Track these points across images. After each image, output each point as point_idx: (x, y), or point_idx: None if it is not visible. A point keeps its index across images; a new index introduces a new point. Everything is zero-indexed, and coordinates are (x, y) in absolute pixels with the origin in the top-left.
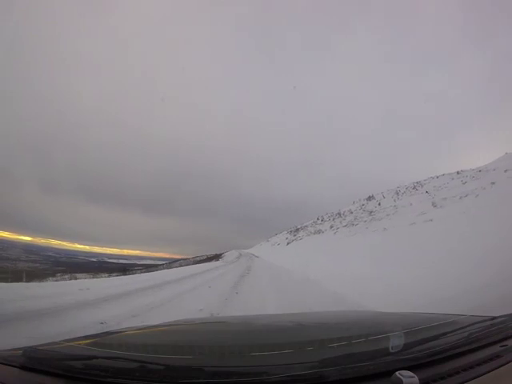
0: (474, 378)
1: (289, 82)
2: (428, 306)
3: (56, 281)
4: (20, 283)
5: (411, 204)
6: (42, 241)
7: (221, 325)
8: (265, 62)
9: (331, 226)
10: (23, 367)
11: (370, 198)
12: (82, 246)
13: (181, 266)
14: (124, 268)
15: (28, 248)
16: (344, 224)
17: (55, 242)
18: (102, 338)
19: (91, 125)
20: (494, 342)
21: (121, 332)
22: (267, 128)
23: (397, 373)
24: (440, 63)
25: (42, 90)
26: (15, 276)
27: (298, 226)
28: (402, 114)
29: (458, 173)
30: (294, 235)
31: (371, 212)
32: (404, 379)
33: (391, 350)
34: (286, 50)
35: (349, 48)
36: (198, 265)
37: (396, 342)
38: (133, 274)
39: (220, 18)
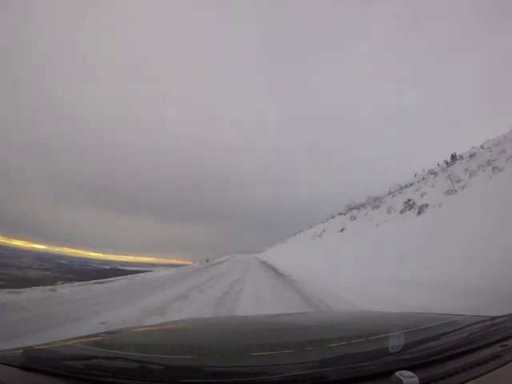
0: (474, 378)
1: (297, 83)
2: None
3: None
4: None
5: None
6: (56, 249)
7: (221, 325)
8: (269, 64)
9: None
10: (23, 367)
11: (453, 160)
12: (95, 254)
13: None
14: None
15: (42, 256)
16: None
17: (69, 250)
18: (102, 338)
19: (103, 131)
20: (494, 342)
21: (121, 332)
22: (275, 130)
23: (397, 373)
24: (450, 60)
25: (52, 96)
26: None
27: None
28: (410, 111)
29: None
30: (366, 213)
31: None
32: (404, 379)
33: (391, 350)
34: (290, 49)
35: (354, 47)
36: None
37: (396, 342)
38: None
39: (223, 18)
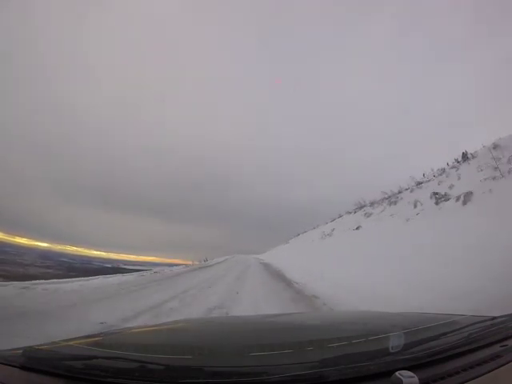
0: (474, 378)
1: (297, 83)
2: None
3: None
4: None
5: None
6: (58, 247)
7: (221, 325)
8: (269, 64)
9: None
10: (23, 367)
11: (464, 156)
12: (98, 253)
13: None
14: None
15: (44, 254)
16: None
17: (71, 249)
18: (102, 338)
19: (103, 131)
20: (494, 342)
21: (121, 332)
22: (276, 130)
23: (397, 373)
24: (450, 60)
25: (53, 96)
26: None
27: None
28: (410, 111)
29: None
30: (382, 210)
31: None
32: (404, 379)
33: (391, 350)
34: (290, 49)
35: (354, 47)
36: None
37: (396, 342)
38: None
39: (222, 18)
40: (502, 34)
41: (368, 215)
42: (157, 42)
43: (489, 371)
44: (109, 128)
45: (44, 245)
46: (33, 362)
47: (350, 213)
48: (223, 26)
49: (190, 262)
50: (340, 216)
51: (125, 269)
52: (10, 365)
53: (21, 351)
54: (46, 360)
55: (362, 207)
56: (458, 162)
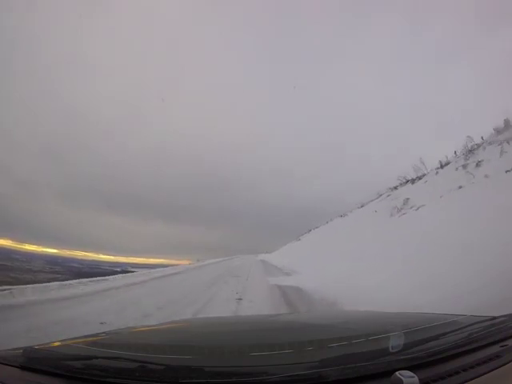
0: (474, 378)
1: (298, 83)
2: None
3: None
4: None
5: None
6: (67, 252)
7: (221, 325)
8: (270, 64)
9: None
10: (23, 367)
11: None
12: (106, 257)
13: None
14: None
15: (53, 260)
16: None
17: (80, 254)
18: (101, 338)
19: (112, 134)
20: (494, 342)
21: (121, 332)
22: (281, 131)
23: (397, 373)
24: (455, 58)
25: (61, 98)
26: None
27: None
28: (414, 108)
29: None
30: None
31: None
32: (404, 379)
33: (391, 350)
34: (291, 49)
35: (358, 47)
36: None
37: (396, 341)
38: None
39: (224, 18)
40: (502, 34)
41: (477, 165)
42: (157, 42)
43: (489, 371)
44: (115, 133)
45: (53, 251)
46: (33, 361)
47: (395, 188)
48: (224, 27)
49: (188, 262)
50: (380, 195)
51: (133, 271)
52: (10, 365)
53: (21, 351)
54: (45, 360)
55: (409, 181)
56: (499, 132)
